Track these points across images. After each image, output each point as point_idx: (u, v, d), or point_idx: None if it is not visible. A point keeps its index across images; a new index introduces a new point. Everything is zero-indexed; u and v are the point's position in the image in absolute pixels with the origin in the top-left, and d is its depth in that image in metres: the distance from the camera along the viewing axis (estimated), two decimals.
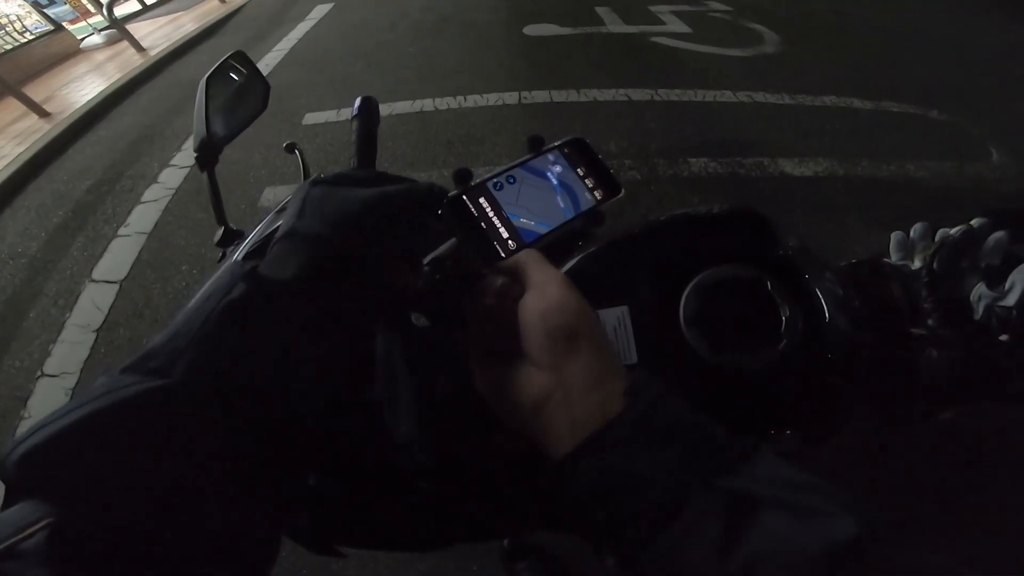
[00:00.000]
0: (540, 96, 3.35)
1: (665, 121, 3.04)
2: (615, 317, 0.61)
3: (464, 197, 0.39)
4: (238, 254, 0.60)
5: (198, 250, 2.49)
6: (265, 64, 4.50)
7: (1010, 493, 1.10)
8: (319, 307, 0.34)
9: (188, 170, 3.12)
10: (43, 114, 4.25)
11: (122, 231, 2.72)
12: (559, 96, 3.34)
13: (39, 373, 2.03)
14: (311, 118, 3.46)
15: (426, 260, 0.42)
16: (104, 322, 2.20)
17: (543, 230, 0.40)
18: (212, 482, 0.27)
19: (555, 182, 0.42)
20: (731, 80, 3.43)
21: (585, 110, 3.20)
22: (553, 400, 0.32)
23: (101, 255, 2.58)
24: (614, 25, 4.53)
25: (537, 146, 0.43)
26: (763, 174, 2.56)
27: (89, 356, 2.06)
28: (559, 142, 0.44)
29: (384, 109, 3.35)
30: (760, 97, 3.22)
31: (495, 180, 0.40)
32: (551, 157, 0.43)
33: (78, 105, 4.26)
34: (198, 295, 0.35)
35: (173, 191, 2.98)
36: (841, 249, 2.04)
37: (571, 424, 0.31)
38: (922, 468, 1.13)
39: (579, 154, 0.45)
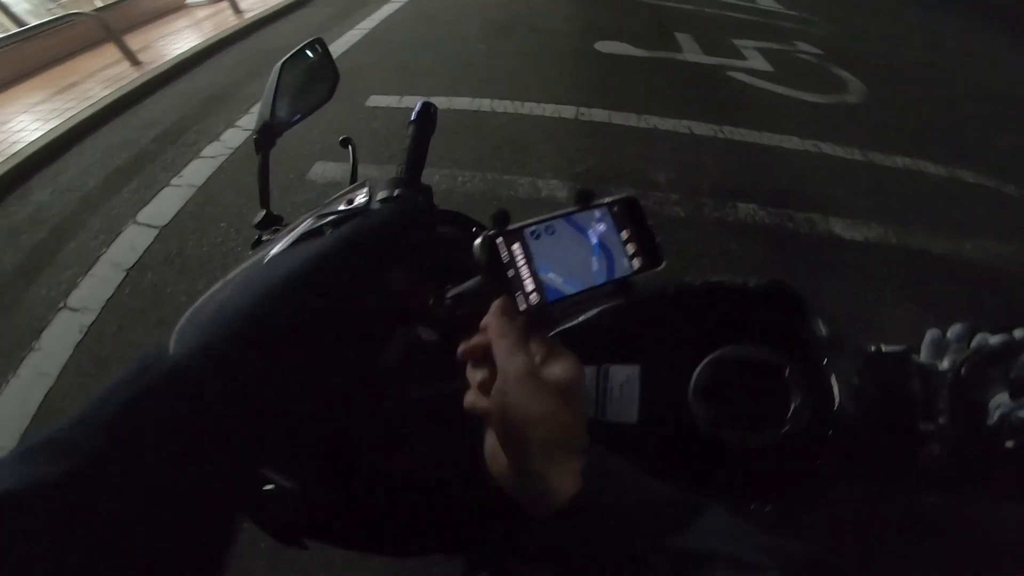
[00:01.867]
0: (598, 115, 3.30)
1: (723, 160, 2.93)
2: (625, 375, 0.62)
3: (498, 240, 0.38)
4: (275, 249, 0.61)
5: (240, 210, 2.58)
6: (345, 41, 4.65)
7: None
8: (239, 379, 0.38)
9: (250, 132, 3.24)
10: (135, 62, 4.54)
11: (175, 181, 2.86)
12: (618, 118, 3.27)
13: (61, 304, 2.12)
14: (375, 100, 3.54)
15: (450, 294, 0.42)
16: (136, 263, 2.30)
17: (568, 291, 0.39)
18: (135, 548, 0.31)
19: (594, 242, 0.41)
20: (801, 126, 3.28)
21: (642, 137, 3.12)
22: (518, 476, 0.36)
23: (150, 200, 2.71)
24: (691, 54, 4.42)
25: (586, 200, 0.41)
26: (811, 231, 2.43)
27: (113, 296, 2.15)
28: (610, 199, 0.42)
29: (444, 103, 3.42)
30: (827, 148, 3.06)
31: (533, 228, 0.39)
32: (597, 214, 0.42)
33: (168, 58, 4.53)
34: (111, 382, 0.38)
35: (231, 151, 3.11)
36: (869, 320, 1.96)
37: (538, 497, 0.34)
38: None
39: (628, 215, 0.42)
